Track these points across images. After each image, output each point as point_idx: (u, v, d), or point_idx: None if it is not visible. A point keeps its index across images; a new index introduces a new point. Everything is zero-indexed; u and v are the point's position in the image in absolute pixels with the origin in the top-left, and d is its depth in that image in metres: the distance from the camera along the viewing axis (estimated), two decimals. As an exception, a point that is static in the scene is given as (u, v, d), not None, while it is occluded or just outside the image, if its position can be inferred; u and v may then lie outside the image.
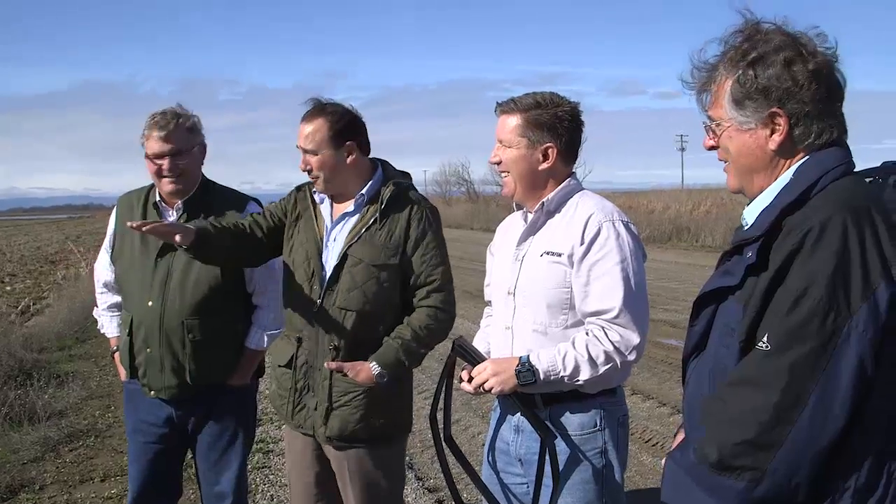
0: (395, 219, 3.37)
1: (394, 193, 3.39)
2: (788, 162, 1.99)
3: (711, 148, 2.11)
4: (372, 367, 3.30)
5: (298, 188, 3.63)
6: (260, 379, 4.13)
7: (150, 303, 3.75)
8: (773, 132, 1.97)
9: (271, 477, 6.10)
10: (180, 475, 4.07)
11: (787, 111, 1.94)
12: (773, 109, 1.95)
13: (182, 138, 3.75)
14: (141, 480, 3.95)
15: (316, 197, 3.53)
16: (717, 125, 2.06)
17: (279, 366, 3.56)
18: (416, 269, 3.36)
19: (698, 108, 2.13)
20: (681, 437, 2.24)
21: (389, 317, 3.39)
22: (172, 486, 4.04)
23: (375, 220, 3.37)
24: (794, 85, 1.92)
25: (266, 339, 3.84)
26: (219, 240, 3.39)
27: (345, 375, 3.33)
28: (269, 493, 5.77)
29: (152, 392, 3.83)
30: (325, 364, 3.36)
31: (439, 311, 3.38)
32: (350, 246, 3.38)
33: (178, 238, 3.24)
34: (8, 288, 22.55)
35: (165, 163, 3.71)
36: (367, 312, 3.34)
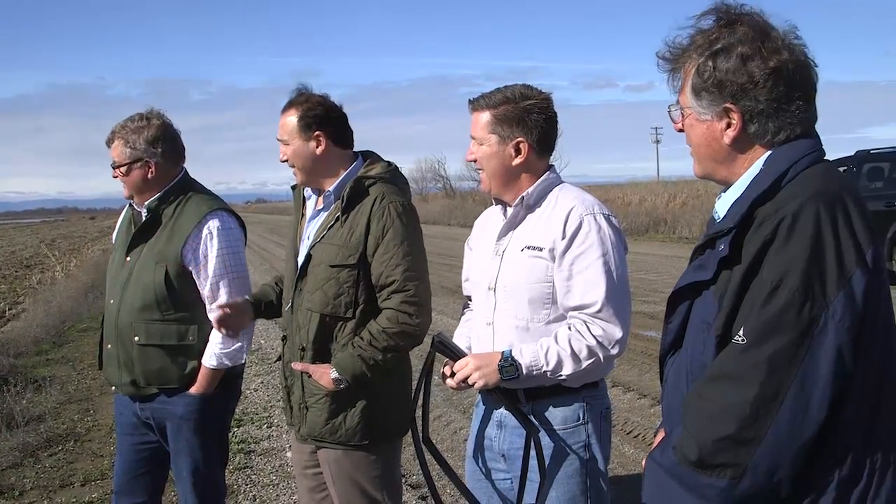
0: (357, 216, 3.33)
1: (355, 190, 3.35)
2: (748, 156, 1.96)
3: (680, 131, 2.09)
4: (330, 372, 3.29)
5: (293, 186, 3.65)
6: (235, 384, 4.03)
7: (111, 300, 3.87)
8: (728, 126, 1.95)
9: (253, 477, 6.09)
10: (160, 472, 4.04)
11: (741, 108, 1.91)
12: (727, 105, 1.92)
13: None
14: (119, 472, 4.01)
15: (306, 193, 3.55)
16: (681, 111, 2.04)
17: (276, 361, 3.57)
18: (376, 269, 3.29)
19: (669, 89, 2.10)
20: (661, 436, 2.21)
21: (354, 319, 3.32)
22: (151, 482, 4.02)
23: (338, 218, 3.36)
24: (749, 81, 1.89)
25: (215, 358, 3.73)
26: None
27: (310, 377, 3.34)
28: (251, 494, 5.76)
29: (113, 387, 3.97)
30: (292, 364, 3.40)
31: (401, 313, 3.27)
32: (314, 245, 3.39)
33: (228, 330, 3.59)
34: (-18, 293, 22.37)
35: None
36: (329, 314, 3.33)
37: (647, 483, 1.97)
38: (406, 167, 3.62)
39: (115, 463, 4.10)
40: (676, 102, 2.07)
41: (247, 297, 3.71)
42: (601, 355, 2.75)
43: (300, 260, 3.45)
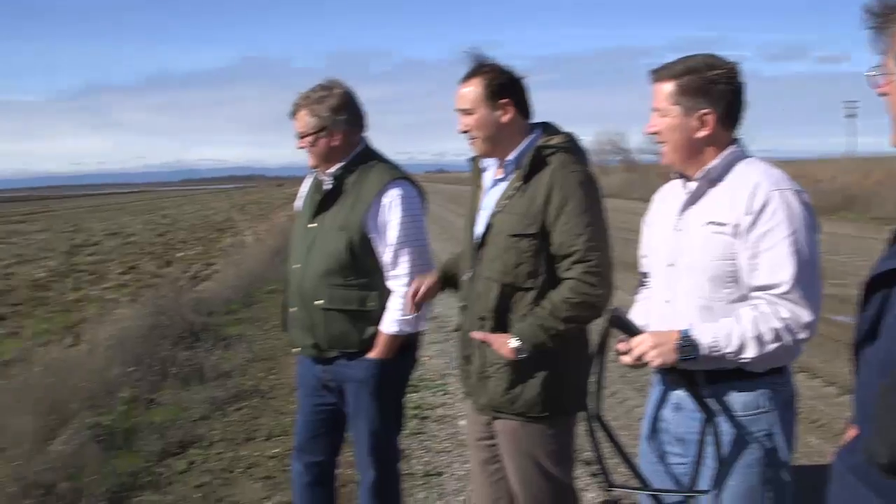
0: (537, 185, 3.29)
1: (536, 158, 3.31)
2: None
3: (883, 95, 1.89)
4: (510, 342, 3.27)
5: (473, 157, 3.64)
6: (413, 351, 4.09)
7: (296, 265, 3.98)
8: None
9: (427, 443, 6.21)
10: (338, 433, 4.17)
11: None
12: None
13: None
14: (300, 431, 4.17)
15: (482, 164, 3.55)
16: (885, 75, 1.85)
17: (454, 331, 3.67)
18: (557, 238, 3.24)
19: (872, 49, 1.88)
20: (852, 432, 2.07)
21: (535, 289, 3.30)
22: (330, 443, 4.15)
23: (518, 187, 3.33)
24: None
25: (395, 324, 3.82)
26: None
27: (490, 346, 3.34)
28: (424, 459, 5.88)
29: (296, 349, 4.11)
30: (472, 334, 3.39)
31: (583, 283, 3.21)
32: (495, 214, 3.37)
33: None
34: (179, 254, 23.79)
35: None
36: (509, 283, 3.31)
37: (834, 482, 1.85)
38: (585, 139, 3.55)
39: (296, 421, 4.26)
40: (880, 65, 1.90)
41: (434, 271, 3.79)
42: (788, 339, 2.60)
43: (480, 229, 3.45)
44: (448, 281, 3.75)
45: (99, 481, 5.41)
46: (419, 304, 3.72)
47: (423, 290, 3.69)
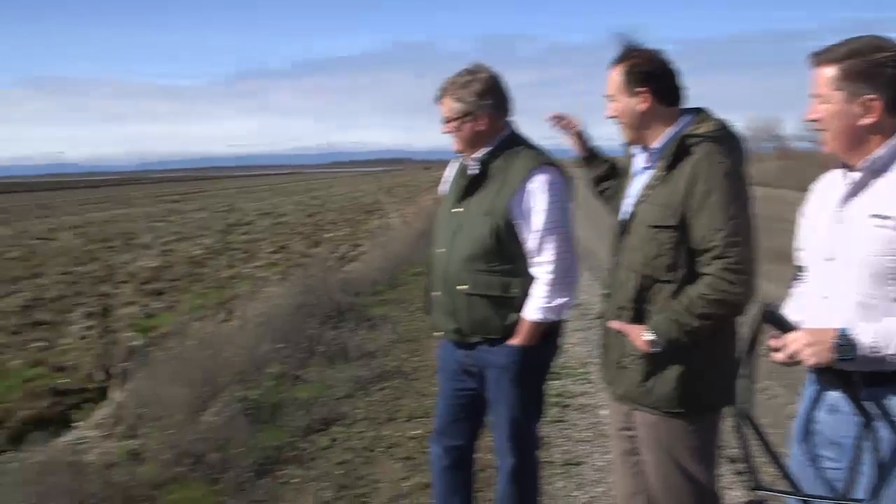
0: (680, 176, 3.18)
1: (680, 147, 3.20)
2: None
3: None
4: (645, 334, 3.20)
5: (626, 143, 3.59)
6: (556, 338, 4.05)
7: (441, 249, 3.99)
8: None
9: (567, 431, 6.17)
10: (478, 419, 4.18)
11: None
12: None
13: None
14: (441, 414, 4.21)
15: (633, 150, 3.50)
16: None
17: (597, 318, 3.64)
18: (697, 232, 3.14)
19: None
20: None
21: (674, 282, 3.21)
22: (469, 427, 4.18)
23: (661, 177, 3.24)
24: None
25: (539, 312, 3.80)
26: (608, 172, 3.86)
27: (626, 337, 3.29)
28: (563, 448, 5.84)
29: (438, 332, 4.15)
30: (609, 323, 3.35)
31: (720, 280, 3.10)
32: (638, 203, 3.30)
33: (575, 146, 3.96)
34: (328, 235, 24.40)
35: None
36: (648, 275, 3.24)
37: None
38: (737, 125, 3.42)
39: (437, 404, 4.29)
40: None
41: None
42: (958, 343, 2.44)
43: (624, 217, 3.39)
44: (592, 154, 3.93)
45: (245, 453, 5.62)
46: (559, 124, 3.88)
47: (573, 119, 3.88)
